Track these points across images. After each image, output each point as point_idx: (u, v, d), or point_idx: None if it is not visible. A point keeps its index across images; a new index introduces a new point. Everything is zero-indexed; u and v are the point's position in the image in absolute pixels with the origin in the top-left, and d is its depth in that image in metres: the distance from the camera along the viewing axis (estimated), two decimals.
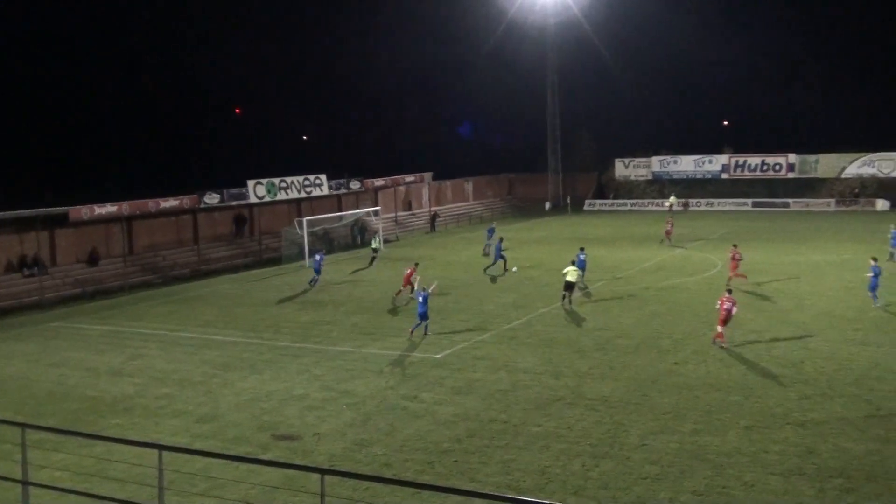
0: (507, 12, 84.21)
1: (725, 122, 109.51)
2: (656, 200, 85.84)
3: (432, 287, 32.09)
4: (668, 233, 53.76)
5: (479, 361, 26.98)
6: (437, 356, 27.78)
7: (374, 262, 49.09)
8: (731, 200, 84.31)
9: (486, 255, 50.77)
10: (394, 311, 36.02)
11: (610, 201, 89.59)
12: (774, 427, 19.98)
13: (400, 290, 37.66)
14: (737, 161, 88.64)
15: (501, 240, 47.48)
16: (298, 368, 27.00)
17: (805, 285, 38.47)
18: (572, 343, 28.99)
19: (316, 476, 10.96)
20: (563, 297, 35.32)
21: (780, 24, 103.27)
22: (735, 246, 39.68)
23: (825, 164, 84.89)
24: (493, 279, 43.19)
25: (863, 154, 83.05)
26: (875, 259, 34.17)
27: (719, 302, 28.02)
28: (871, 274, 33.45)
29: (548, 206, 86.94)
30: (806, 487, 16.69)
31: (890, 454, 18.12)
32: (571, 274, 35.17)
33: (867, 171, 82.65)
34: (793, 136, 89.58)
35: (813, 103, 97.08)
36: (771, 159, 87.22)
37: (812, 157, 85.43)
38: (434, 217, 73.28)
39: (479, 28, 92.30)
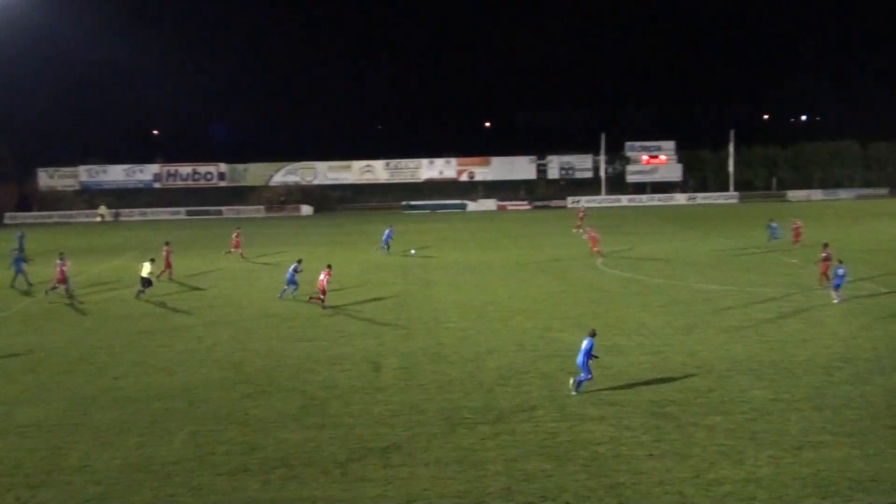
0: None
1: (155, 132, 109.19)
2: (87, 212, 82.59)
3: None
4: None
5: None
6: None
7: None
8: (165, 209, 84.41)
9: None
10: None
11: (35, 214, 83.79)
12: (219, 429, 20.26)
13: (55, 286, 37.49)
14: (169, 170, 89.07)
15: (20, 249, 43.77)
16: None
17: (242, 287, 39.91)
18: None
19: None
20: (139, 292, 37.53)
21: (212, 39, 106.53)
22: (167, 243, 44.63)
23: (254, 173, 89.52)
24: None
25: (287, 163, 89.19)
26: (300, 261, 37.15)
27: (322, 275, 33.42)
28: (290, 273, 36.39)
29: None
30: (252, 482, 17.18)
31: (324, 439, 19.47)
32: (144, 269, 37.72)
33: (292, 178, 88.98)
34: (223, 146, 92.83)
35: (235, 115, 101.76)
36: (202, 168, 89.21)
37: (241, 166, 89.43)
38: None
39: None
